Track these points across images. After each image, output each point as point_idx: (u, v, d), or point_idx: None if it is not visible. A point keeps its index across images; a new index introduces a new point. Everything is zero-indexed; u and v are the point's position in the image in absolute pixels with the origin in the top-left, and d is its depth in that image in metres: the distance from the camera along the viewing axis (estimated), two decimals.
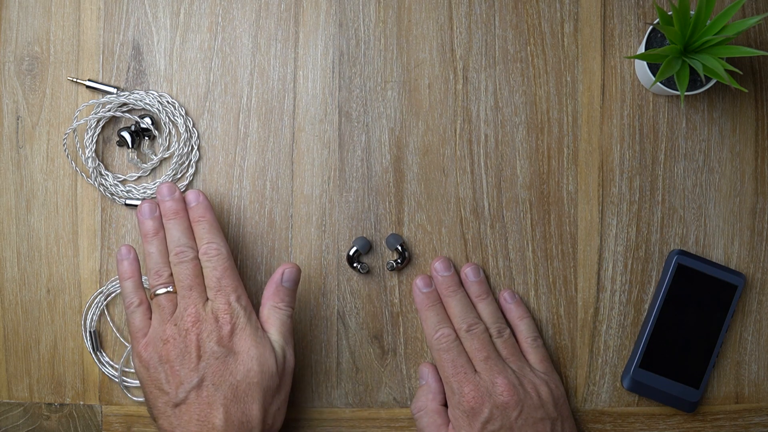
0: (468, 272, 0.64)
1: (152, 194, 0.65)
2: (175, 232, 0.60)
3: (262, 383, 0.57)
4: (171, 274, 0.59)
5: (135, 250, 0.62)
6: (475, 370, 0.61)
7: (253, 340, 0.57)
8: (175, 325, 0.57)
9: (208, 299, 0.58)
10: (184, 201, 0.62)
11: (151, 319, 0.59)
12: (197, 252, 0.60)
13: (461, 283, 0.64)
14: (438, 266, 0.64)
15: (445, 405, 0.62)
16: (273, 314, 0.60)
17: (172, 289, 0.59)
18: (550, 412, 0.60)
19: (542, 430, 0.59)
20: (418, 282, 0.64)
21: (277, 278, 0.60)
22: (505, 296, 0.65)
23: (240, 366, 0.57)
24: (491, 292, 0.65)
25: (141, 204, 0.61)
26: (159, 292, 0.59)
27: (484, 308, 0.64)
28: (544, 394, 0.60)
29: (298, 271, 0.61)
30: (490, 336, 0.62)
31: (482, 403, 0.59)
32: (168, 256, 0.60)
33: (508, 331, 0.63)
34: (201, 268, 0.59)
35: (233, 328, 0.57)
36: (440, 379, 0.63)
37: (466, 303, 0.63)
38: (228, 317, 0.57)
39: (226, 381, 0.56)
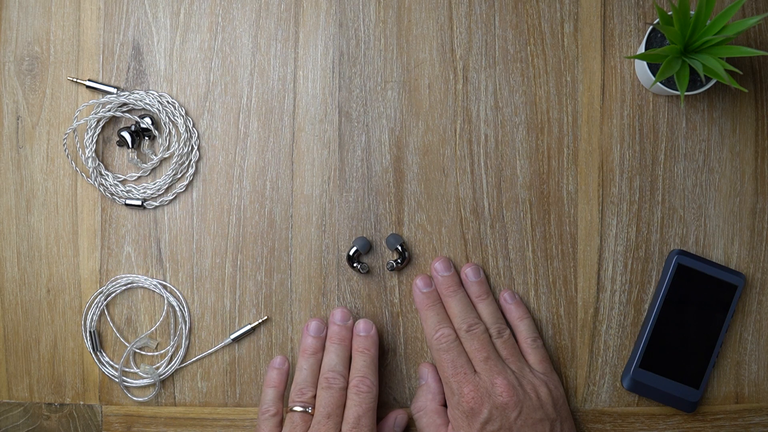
0: (468, 272, 0.64)
1: (152, 194, 0.65)
2: (333, 356, 0.61)
3: None
4: (314, 396, 0.60)
5: (289, 364, 0.64)
6: (475, 371, 0.61)
7: None
8: None
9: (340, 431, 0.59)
10: (352, 330, 0.63)
11: (279, 430, 0.60)
12: (347, 382, 0.60)
13: (461, 283, 0.64)
14: (438, 266, 0.64)
15: (445, 405, 0.62)
16: None
17: (310, 411, 0.60)
18: (550, 413, 0.60)
19: (541, 430, 0.59)
20: (418, 282, 0.64)
21: (391, 423, 0.63)
22: (505, 296, 0.65)
23: None
24: (491, 292, 0.65)
25: (311, 320, 0.63)
26: (296, 409, 0.60)
27: (484, 308, 0.64)
28: (543, 395, 0.60)
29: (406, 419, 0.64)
30: (490, 336, 0.62)
31: (481, 404, 0.59)
32: (317, 377, 0.61)
33: (508, 331, 0.63)
34: (345, 398, 0.60)
35: None
36: (440, 379, 0.63)
37: (466, 303, 0.63)
38: None
39: None
